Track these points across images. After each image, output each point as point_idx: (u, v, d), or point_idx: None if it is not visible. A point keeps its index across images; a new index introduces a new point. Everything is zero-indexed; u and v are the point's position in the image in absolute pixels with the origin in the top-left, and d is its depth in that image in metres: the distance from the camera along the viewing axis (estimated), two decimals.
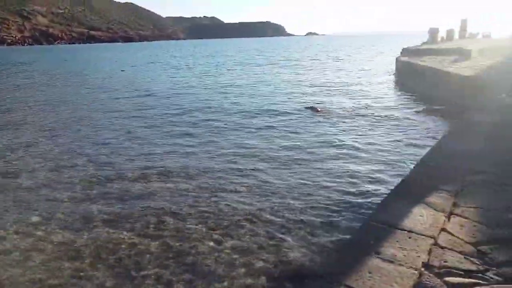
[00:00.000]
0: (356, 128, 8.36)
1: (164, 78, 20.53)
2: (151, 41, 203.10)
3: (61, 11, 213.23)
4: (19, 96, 14.80)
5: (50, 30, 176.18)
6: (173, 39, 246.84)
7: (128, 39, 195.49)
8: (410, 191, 3.72)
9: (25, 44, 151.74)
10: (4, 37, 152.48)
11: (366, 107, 10.60)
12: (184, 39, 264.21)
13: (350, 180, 5.29)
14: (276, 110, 10.63)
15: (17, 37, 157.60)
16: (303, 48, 62.91)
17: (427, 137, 7.34)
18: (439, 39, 21.90)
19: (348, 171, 5.64)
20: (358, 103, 11.34)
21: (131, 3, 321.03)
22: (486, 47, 16.45)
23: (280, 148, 7.02)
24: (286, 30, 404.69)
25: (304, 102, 11.63)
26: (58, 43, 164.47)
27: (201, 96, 13.75)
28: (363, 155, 6.43)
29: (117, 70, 27.37)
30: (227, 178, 5.56)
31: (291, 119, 9.44)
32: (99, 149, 7.31)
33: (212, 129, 8.72)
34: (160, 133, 8.43)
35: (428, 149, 5.66)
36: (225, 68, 26.61)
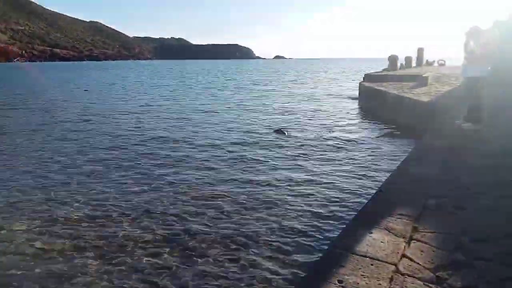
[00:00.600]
0: (319, 152, 8.50)
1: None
2: (117, 60, 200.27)
3: (21, 28, 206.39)
4: None
5: (10, 47, 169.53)
6: (139, 59, 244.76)
7: (93, 58, 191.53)
8: (372, 216, 3.75)
9: None
10: None
11: (330, 131, 10.86)
12: (151, 59, 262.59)
13: (311, 205, 5.28)
14: (242, 133, 10.71)
15: None
16: (271, 71, 64.27)
17: (388, 161, 7.57)
18: (398, 65, 23.03)
19: (309, 196, 5.63)
20: (322, 126, 11.62)
21: (97, 21, 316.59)
22: (442, 74, 17.46)
23: (243, 171, 6.98)
24: (254, 53, 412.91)
25: (270, 125, 11.77)
26: (18, 60, 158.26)
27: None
28: (325, 179, 6.47)
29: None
30: (189, 203, 5.41)
31: (256, 142, 9.47)
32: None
33: (168, 158, 8.17)
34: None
35: (388, 173, 5.81)
36: (191, 90, 26.59)
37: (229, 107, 16.70)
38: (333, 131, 10.81)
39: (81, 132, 10.98)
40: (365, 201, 4.58)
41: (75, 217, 5.00)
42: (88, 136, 10.46)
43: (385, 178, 5.42)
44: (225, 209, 5.20)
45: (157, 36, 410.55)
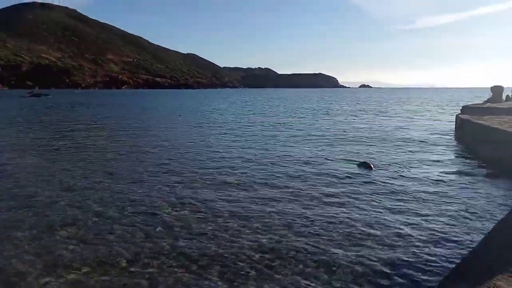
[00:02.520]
0: (411, 189, 7.80)
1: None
2: (208, 88, 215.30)
3: (130, 60, 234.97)
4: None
5: (120, 76, 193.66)
6: (228, 87, 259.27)
7: (188, 86, 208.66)
8: (475, 271, 3.38)
9: (96, 88, 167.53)
10: (78, 81, 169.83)
11: (423, 166, 10.10)
12: (239, 87, 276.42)
13: (406, 252, 4.82)
14: (327, 163, 10.58)
15: (90, 82, 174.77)
16: (356, 100, 62.84)
17: (495, 205, 6.68)
18: (503, 97, 20.82)
19: (403, 241, 5.16)
20: (414, 161, 10.86)
21: (193, 54, 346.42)
22: None
23: (324, 206, 6.78)
24: (338, 81, 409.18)
25: (356, 157, 11.40)
26: (126, 88, 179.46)
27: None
28: (420, 223, 5.88)
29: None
30: (281, 240, 5.45)
31: (340, 177, 9.05)
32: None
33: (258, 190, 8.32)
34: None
35: (496, 221, 5.19)
36: (275, 115, 27.13)
37: (310, 135, 16.63)
38: (426, 167, 10.01)
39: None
40: (468, 252, 4.12)
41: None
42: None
43: (492, 226, 4.85)
44: (308, 248, 5.11)
45: (245, 66, 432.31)
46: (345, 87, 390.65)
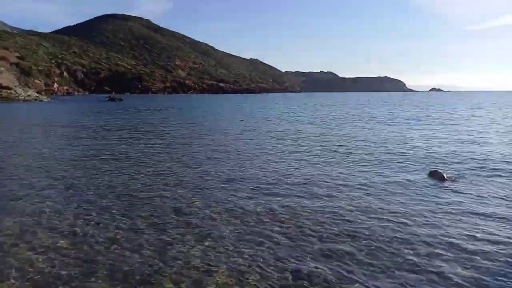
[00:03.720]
0: (493, 206, 6.96)
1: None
2: (269, 92, 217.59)
3: (196, 66, 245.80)
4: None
5: (187, 81, 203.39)
6: (289, 91, 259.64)
7: (250, 91, 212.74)
8: None
9: (165, 93, 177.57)
10: (150, 86, 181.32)
11: (508, 178, 9.25)
12: (300, 91, 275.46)
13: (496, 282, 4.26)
14: (395, 169, 10.12)
15: (160, 87, 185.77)
16: (425, 104, 59.24)
17: None
18: None
19: (492, 268, 4.55)
20: (496, 171, 9.94)
21: (256, 59, 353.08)
22: None
23: (388, 221, 6.23)
24: (406, 85, 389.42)
25: (426, 165, 10.67)
26: (191, 92, 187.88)
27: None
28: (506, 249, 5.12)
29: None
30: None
31: (412, 186, 8.48)
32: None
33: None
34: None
35: None
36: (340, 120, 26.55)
37: (370, 143, 15.49)
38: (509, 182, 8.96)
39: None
40: None
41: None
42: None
43: None
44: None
45: (306, 70, 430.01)
46: (413, 90, 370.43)
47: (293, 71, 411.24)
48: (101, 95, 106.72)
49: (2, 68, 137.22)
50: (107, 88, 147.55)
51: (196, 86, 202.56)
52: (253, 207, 7.03)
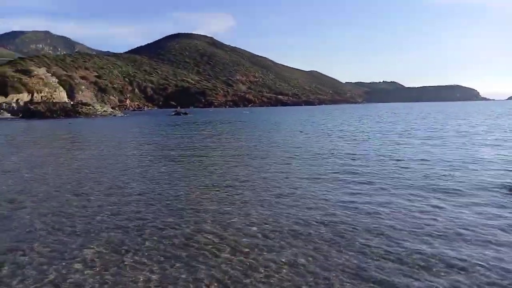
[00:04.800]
0: None
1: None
2: (329, 104, 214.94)
3: (256, 80, 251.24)
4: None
5: (247, 95, 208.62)
6: (350, 102, 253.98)
7: (309, 103, 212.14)
8: None
9: (226, 106, 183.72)
10: (212, 100, 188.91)
11: None
12: (362, 102, 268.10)
13: None
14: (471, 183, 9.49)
15: (221, 101, 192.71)
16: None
17: None
18: None
19: None
20: None
21: (315, 71, 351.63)
22: None
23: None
24: (480, 93, 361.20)
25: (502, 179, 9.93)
26: (251, 105, 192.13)
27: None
28: None
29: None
30: None
31: (493, 200, 7.96)
32: None
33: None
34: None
35: None
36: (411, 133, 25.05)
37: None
38: None
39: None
40: None
41: None
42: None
43: None
44: None
45: (368, 81, 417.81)
46: (488, 99, 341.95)
47: (354, 82, 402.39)
48: (168, 109, 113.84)
49: (83, 87, 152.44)
50: (173, 103, 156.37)
51: (256, 99, 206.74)
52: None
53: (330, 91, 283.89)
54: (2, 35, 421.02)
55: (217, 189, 9.60)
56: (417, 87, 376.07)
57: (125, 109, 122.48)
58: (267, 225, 6.65)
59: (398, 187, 9.39)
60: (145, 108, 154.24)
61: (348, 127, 32.77)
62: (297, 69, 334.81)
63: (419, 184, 9.69)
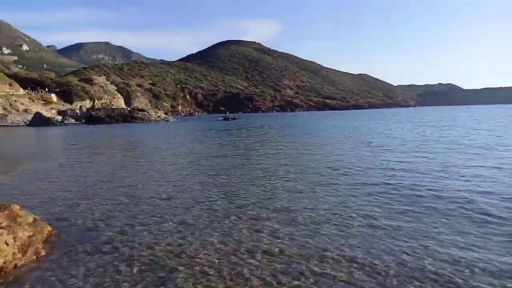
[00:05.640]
0: None
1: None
2: (379, 108, 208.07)
3: (303, 84, 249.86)
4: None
5: (294, 100, 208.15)
6: (402, 106, 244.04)
7: (358, 107, 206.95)
8: None
9: (274, 111, 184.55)
10: (260, 105, 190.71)
11: None
12: (414, 106, 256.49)
13: None
14: None
15: (269, 106, 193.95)
16: None
17: None
18: None
19: None
20: None
21: (365, 74, 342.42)
22: None
23: None
24: None
25: None
26: (298, 110, 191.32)
27: None
28: None
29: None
30: None
31: None
32: None
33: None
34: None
35: None
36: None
37: None
38: None
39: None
40: None
41: None
42: None
43: None
44: None
45: (421, 83, 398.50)
46: None
47: (407, 84, 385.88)
48: (217, 115, 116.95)
49: (139, 94, 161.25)
50: (222, 108, 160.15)
51: (303, 103, 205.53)
52: None
53: (381, 95, 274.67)
54: (67, 47, 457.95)
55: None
56: (478, 89, 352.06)
57: (177, 114, 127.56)
58: None
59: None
60: (196, 113, 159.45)
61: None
62: (345, 72, 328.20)
63: None
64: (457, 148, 18.44)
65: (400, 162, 14.24)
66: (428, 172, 11.99)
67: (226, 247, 5.99)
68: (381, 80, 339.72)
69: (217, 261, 5.48)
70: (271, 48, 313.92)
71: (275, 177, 11.85)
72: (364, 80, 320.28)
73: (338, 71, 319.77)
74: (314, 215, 7.59)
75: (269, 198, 9.18)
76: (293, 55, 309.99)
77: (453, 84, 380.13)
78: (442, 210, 7.77)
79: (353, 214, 7.62)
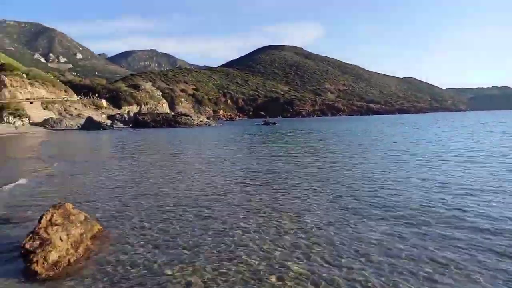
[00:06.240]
0: None
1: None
2: (426, 112, 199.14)
3: (345, 88, 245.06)
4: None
5: (336, 104, 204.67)
6: (451, 110, 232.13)
7: (403, 111, 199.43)
8: None
9: (314, 115, 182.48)
10: (300, 110, 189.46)
11: None
12: (465, 110, 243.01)
13: None
14: None
15: (309, 110, 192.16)
16: None
17: None
18: None
19: None
20: None
21: (411, 77, 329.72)
22: None
23: None
24: None
25: None
26: (340, 114, 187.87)
27: None
28: None
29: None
30: None
31: None
32: None
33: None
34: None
35: None
36: None
37: None
38: None
39: None
40: None
41: None
42: None
43: None
44: None
45: (473, 87, 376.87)
46: None
47: (457, 88, 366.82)
48: (257, 119, 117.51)
49: (183, 99, 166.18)
50: (262, 113, 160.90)
51: (345, 108, 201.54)
52: None
53: (428, 99, 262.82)
54: (117, 55, 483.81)
55: None
56: None
57: (218, 119, 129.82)
58: None
59: None
60: (237, 118, 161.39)
61: None
62: (390, 75, 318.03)
63: None
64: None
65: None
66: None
67: None
68: (429, 83, 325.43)
69: None
70: (312, 52, 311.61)
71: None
72: (411, 83, 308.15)
73: (382, 74, 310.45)
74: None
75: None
76: (335, 59, 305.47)
77: (509, 87, 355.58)
78: None
79: None
